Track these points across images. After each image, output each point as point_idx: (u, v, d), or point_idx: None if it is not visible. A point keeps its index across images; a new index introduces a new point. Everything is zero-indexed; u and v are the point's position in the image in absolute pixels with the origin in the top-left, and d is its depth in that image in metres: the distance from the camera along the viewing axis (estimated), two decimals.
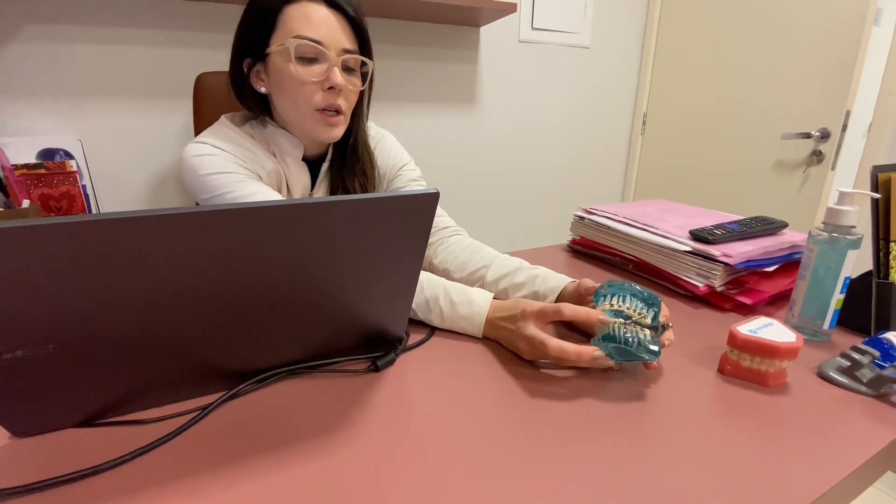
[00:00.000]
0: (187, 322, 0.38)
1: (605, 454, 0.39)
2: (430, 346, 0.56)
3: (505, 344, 0.55)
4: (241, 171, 0.62)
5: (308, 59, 0.60)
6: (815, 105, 1.39)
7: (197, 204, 0.61)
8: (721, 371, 0.51)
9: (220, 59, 1.22)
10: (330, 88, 0.62)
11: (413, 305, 0.59)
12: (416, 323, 0.61)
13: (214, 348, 0.41)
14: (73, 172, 1.05)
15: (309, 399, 0.45)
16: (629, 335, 0.46)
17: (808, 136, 1.39)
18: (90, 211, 1.13)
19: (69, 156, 1.07)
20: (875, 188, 0.57)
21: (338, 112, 0.64)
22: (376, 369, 0.50)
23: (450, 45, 1.51)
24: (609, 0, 1.74)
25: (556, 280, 0.62)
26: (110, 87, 1.13)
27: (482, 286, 0.66)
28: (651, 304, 0.49)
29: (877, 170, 0.56)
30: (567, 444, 0.40)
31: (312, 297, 0.42)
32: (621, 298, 0.49)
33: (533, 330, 0.51)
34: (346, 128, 0.68)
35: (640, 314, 0.49)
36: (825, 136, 1.37)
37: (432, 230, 0.74)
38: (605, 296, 0.51)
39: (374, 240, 0.40)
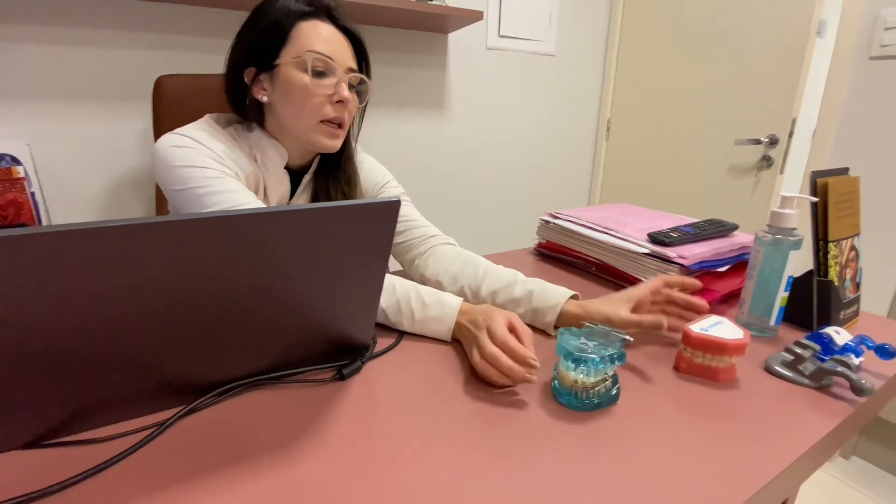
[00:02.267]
0: (142, 335, 0.37)
1: (571, 454, 0.40)
2: (398, 353, 0.56)
3: (465, 347, 0.56)
4: (217, 167, 0.62)
5: (319, 73, 0.63)
6: (765, 113, 1.46)
7: (167, 206, 0.59)
8: (676, 369, 0.54)
9: (179, 62, 1.19)
10: (338, 102, 0.65)
11: (384, 307, 0.59)
12: (385, 329, 0.61)
13: (172, 361, 0.40)
14: (21, 179, 1.00)
15: (271, 411, 0.45)
16: (594, 397, 0.46)
17: (758, 142, 1.47)
18: (39, 220, 1.08)
19: (16, 161, 1.02)
20: (814, 192, 0.60)
21: (340, 126, 0.67)
22: (342, 378, 0.50)
23: (418, 51, 1.52)
24: (572, 10, 1.79)
25: (554, 297, 0.61)
26: (61, 90, 1.08)
27: (476, 302, 0.66)
28: (617, 358, 0.46)
29: (815, 175, 0.60)
30: (534, 447, 0.41)
31: (274, 306, 0.42)
32: (586, 371, 0.45)
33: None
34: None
35: (603, 378, 0.46)
36: (774, 142, 1.45)
37: (418, 240, 0.75)
38: (571, 360, 0.45)
39: (335, 248, 0.40)
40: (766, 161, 1.47)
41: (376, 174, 0.79)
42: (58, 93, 1.08)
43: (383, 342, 0.58)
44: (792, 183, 1.55)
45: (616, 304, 0.57)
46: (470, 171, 1.75)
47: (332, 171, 0.74)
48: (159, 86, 0.99)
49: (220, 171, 0.61)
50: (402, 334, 0.60)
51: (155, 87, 0.99)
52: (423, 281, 0.72)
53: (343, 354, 0.52)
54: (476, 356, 0.50)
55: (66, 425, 0.40)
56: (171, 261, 0.34)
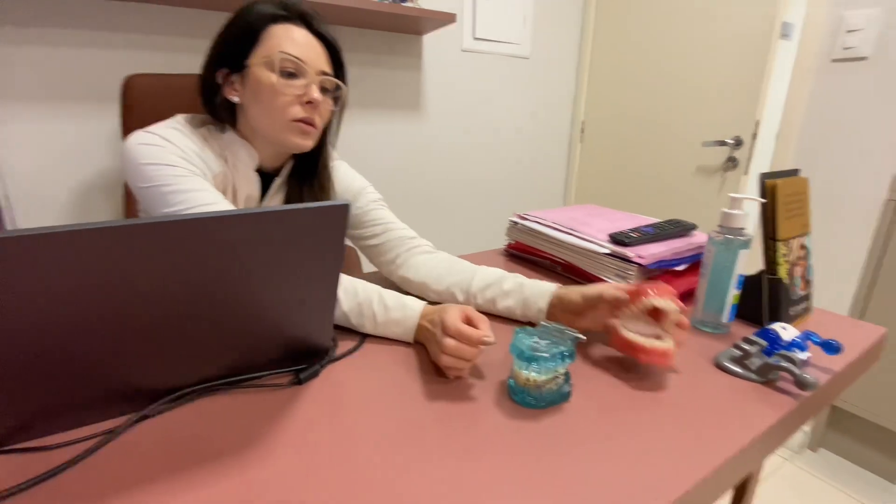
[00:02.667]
0: (91, 340, 0.36)
1: (523, 451, 0.41)
2: (359, 356, 0.56)
3: (428, 349, 0.56)
4: (185, 165, 0.61)
5: (289, 74, 0.64)
6: (730, 115, 1.51)
7: (136, 207, 0.58)
8: (611, 344, 0.56)
9: (148, 61, 1.17)
10: (308, 103, 0.65)
11: (345, 310, 0.59)
12: (348, 332, 0.61)
13: (122, 367, 0.40)
14: None
15: (226, 416, 0.45)
16: (546, 395, 0.47)
17: (724, 143, 1.51)
18: (4, 223, 1.06)
19: None
20: (763, 194, 0.63)
21: (312, 125, 0.67)
22: (299, 382, 0.50)
23: (393, 52, 1.52)
24: (546, 13, 1.82)
25: (544, 285, 0.64)
26: (26, 92, 1.05)
27: (466, 298, 0.67)
28: (567, 356, 0.47)
29: (764, 176, 0.62)
30: (487, 446, 0.42)
31: (226, 310, 0.42)
32: (537, 369, 0.46)
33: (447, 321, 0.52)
34: (316, 144, 0.70)
35: (554, 376, 0.47)
36: (739, 143, 1.49)
37: (396, 242, 0.75)
38: (523, 358, 0.46)
39: (286, 251, 0.40)
40: (732, 162, 1.51)
41: (351, 180, 0.79)
42: (23, 94, 1.05)
43: (346, 345, 0.58)
44: (756, 183, 1.60)
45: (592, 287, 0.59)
46: (445, 172, 1.76)
47: (306, 176, 0.75)
48: (128, 85, 0.98)
49: (186, 170, 0.61)
50: (364, 337, 0.60)
51: (124, 86, 0.97)
52: (403, 282, 0.73)
53: (302, 358, 0.52)
54: (438, 353, 0.51)
55: (14, 433, 0.39)
56: (119, 265, 0.33)
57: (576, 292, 0.60)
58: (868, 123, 1.30)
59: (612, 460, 0.40)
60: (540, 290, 0.63)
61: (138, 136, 0.61)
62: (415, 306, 0.59)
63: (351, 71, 1.46)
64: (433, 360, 0.54)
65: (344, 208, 0.40)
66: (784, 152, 1.44)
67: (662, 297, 0.52)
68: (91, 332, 0.36)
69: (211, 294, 0.39)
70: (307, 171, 0.75)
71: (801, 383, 0.49)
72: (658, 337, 0.52)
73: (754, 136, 1.46)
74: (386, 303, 0.59)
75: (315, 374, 0.51)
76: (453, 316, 0.52)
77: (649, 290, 0.52)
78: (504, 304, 0.65)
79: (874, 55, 1.28)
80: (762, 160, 1.52)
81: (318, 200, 0.74)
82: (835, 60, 1.35)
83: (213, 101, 0.67)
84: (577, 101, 1.98)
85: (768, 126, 1.49)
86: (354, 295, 0.59)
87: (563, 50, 1.92)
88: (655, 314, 0.53)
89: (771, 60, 1.40)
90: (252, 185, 0.71)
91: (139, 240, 0.33)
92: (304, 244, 0.41)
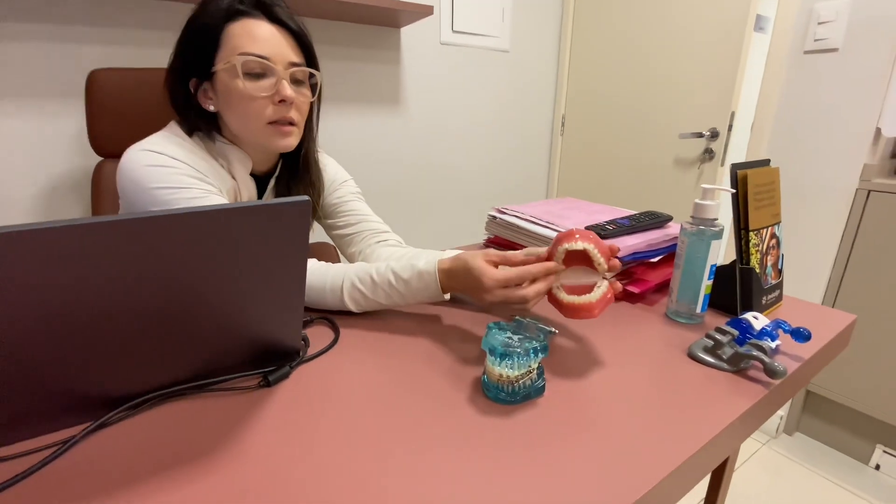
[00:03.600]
0: (44, 345, 0.35)
1: (495, 447, 0.40)
2: (333, 355, 0.55)
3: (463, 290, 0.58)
4: (200, 186, 0.60)
5: (256, 75, 0.61)
6: (706, 107, 1.52)
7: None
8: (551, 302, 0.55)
9: (113, 55, 1.13)
10: (281, 102, 0.62)
11: (375, 299, 0.60)
12: (322, 330, 0.60)
13: (77, 373, 0.38)
14: None
15: (188, 423, 0.43)
16: (520, 390, 0.46)
17: (700, 135, 1.52)
18: None
19: None
20: (734, 184, 0.63)
21: (291, 123, 0.64)
22: (268, 385, 0.48)
23: (371, 45, 1.50)
24: (525, 7, 1.81)
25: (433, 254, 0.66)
26: None
27: None
28: (540, 350, 0.46)
29: (735, 167, 0.63)
30: (460, 443, 0.41)
31: (188, 311, 0.40)
32: (510, 365, 0.45)
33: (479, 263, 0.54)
34: (299, 140, 0.68)
35: (527, 371, 0.46)
36: (715, 135, 1.51)
37: (368, 233, 0.76)
38: (496, 354, 0.45)
39: (248, 250, 0.39)
40: (709, 154, 1.53)
41: (334, 171, 0.80)
42: None
43: (320, 344, 0.57)
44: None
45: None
46: (424, 167, 1.75)
47: (293, 175, 0.73)
48: (92, 81, 0.94)
49: (202, 190, 0.59)
50: (337, 336, 0.59)
51: (88, 82, 0.94)
52: None
53: (272, 360, 0.50)
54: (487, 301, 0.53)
55: None
56: (70, 267, 0.32)
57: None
58: (839, 113, 1.33)
59: (588, 453, 0.40)
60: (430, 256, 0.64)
61: (143, 157, 0.58)
62: (429, 269, 0.58)
63: (327, 65, 1.43)
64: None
65: (305, 204, 0.39)
66: (758, 143, 1.46)
67: (579, 241, 0.51)
68: (42, 336, 0.34)
69: (171, 295, 0.38)
70: (294, 170, 0.73)
71: (771, 371, 0.50)
72: (594, 286, 0.52)
73: (730, 127, 1.48)
74: (402, 276, 0.59)
75: (285, 376, 0.50)
76: (479, 264, 0.53)
77: (563, 240, 0.52)
78: None
79: (844, 46, 1.30)
80: (738, 152, 1.54)
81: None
82: (807, 52, 1.37)
83: (188, 112, 0.65)
84: (559, 95, 1.98)
85: (743, 117, 1.51)
86: (373, 285, 0.60)
87: (543, 44, 1.91)
88: (587, 261, 0.52)
89: (745, 53, 1.42)
90: (250, 190, 0.69)
91: (92, 239, 0.32)
92: (267, 242, 0.39)
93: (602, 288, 0.51)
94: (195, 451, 0.40)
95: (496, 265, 0.54)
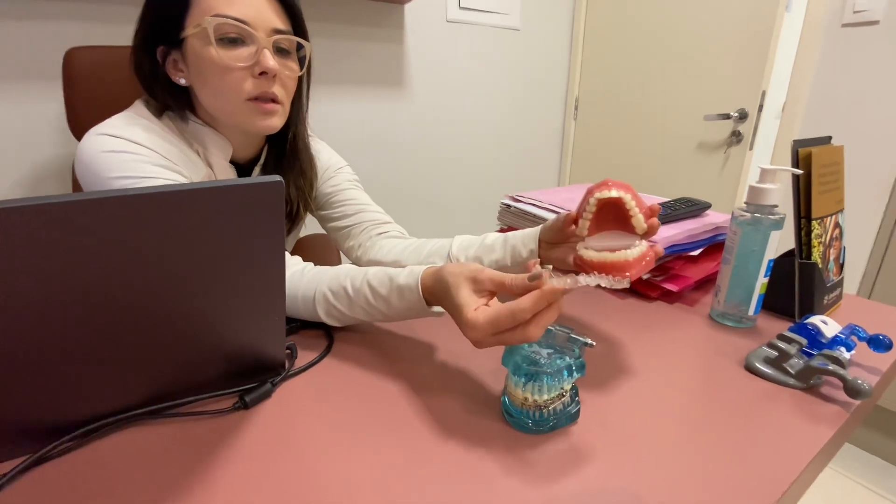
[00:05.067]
0: None
1: (518, 492, 0.32)
2: (324, 368, 0.47)
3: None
4: (166, 174, 0.52)
5: (231, 41, 0.52)
6: (734, 86, 1.41)
7: None
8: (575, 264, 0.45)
9: (91, 32, 1.05)
10: (262, 74, 0.53)
11: (354, 315, 0.49)
12: (312, 340, 0.51)
13: (10, 394, 0.31)
14: None
15: (149, 454, 0.35)
16: (549, 417, 0.38)
17: (727, 116, 1.42)
18: None
19: None
20: (796, 164, 0.54)
21: (274, 101, 0.55)
22: (244, 406, 0.40)
23: (371, 22, 1.40)
24: None
25: (527, 231, 0.55)
26: None
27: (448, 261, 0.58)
28: (575, 369, 0.38)
29: (797, 144, 0.53)
30: (473, 484, 0.33)
31: (145, 315, 0.32)
32: (537, 387, 0.36)
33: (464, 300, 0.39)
34: (285, 121, 0.59)
35: (559, 394, 0.38)
36: (743, 116, 1.40)
37: (369, 224, 0.68)
38: (520, 374, 0.37)
39: (212, 239, 0.31)
40: (736, 137, 1.43)
41: (328, 157, 0.72)
42: None
43: (309, 355, 0.49)
44: (761, 159, 1.52)
45: None
46: (431, 151, 1.65)
47: (281, 162, 0.64)
48: (70, 60, 0.86)
49: (169, 181, 0.51)
50: (330, 346, 0.51)
51: (65, 61, 0.85)
52: (372, 264, 0.64)
53: (251, 375, 0.42)
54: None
55: None
56: (10, 260, 0.24)
57: (545, 226, 0.52)
58: (878, 92, 1.22)
59: (637, 479, 0.32)
60: (525, 236, 0.55)
61: (100, 142, 0.50)
62: (410, 284, 0.45)
63: (326, 43, 1.34)
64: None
65: (278, 185, 0.30)
66: (790, 124, 1.35)
67: (613, 190, 0.41)
68: None
69: (123, 295, 0.30)
70: (282, 157, 0.64)
71: (854, 391, 0.41)
72: (628, 248, 0.41)
73: (760, 108, 1.37)
74: (380, 293, 0.47)
75: (266, 395, 0.42)
76: (460, 302, 0.38)
77: (594, 190, 0.42)
78: (490, 259, 0.56)
79: (886, 18, 1.20)
80: (766, 135, 1.44)
81: (294, 187, 0.65)
82: (845, 25, 1.26)
83: (154, 87, 0.56)
84: (572, 76, 1.87)
85: (773, 98, 1.40)
86: (348, 301, 0.49)
87: (556, 21, 1.80)
88: (623, 220, 0.42)
89: (778, 25, 1.31)
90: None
91: (17, 225, 0.24)
92: (236, 230, 0.31)
93: (641, 247, 0.41)
94: (156, 488, 0.32)
95: (491, 294, 0.41)
